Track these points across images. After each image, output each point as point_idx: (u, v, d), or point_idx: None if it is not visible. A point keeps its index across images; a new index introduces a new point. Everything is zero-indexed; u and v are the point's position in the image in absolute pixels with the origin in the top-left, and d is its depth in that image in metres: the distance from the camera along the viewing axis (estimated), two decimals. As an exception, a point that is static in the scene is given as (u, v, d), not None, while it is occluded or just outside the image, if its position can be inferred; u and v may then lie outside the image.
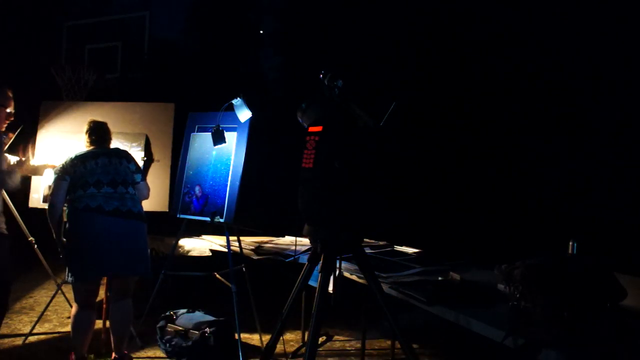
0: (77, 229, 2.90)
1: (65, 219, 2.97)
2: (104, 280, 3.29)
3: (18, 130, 3.21)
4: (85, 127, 3.17)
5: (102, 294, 3.16)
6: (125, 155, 3.12)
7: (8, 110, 2.88)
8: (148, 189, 3.22)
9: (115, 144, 3.49)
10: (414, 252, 3.35)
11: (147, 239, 3.10)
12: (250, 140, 3.36)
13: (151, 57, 7.71)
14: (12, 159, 3.15)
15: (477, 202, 4.54)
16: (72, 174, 2.96)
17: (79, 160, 2.99)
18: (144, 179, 3.18)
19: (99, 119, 3.27)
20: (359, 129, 2.11)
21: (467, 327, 2.06)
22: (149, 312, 3.52)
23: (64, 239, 2.95)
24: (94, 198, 2.91)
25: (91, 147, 3.11)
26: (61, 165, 2.99)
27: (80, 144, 3.19)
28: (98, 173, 2.96)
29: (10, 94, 2.90)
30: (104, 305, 3.46)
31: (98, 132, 3.15)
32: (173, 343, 3.33)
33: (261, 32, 6.86)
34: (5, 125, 2.92)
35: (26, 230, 3.60)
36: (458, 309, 2.14)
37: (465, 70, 4.69)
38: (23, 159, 3.18)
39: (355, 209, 2.10)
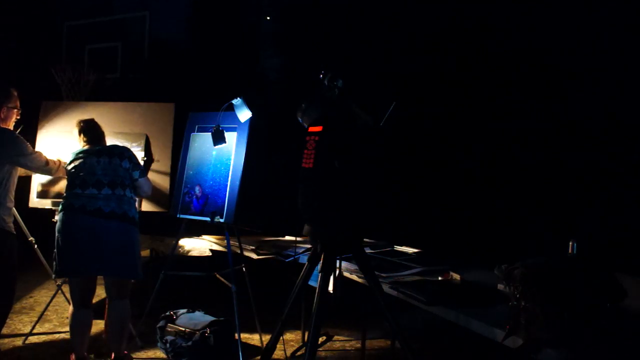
0: (60, 227, 2.92)
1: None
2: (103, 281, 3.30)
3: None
4: (75, 129, 3.16)
5: (103, 294, 3.16)
6: (118, 153, 3.05)
7: (15, 109, 3.14)
8: (149, 185, 3.20)
9: (115, 144, 3.48)
10: (414, 252, 3.35)
11: (135, 240, 3.03)
12: (250, 140, 3.36)
13: (151, 57, 7.70)
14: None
15: (477, 202, 4.54)
16: (68, 174, 3.02)
17: (72, 160, 3.03)
18: (143, 175, 3.15)
19: (99, 119, 3.26)
20: (359, 129, 2.12)
21: (467, 327, 2.06)
22: (149, 312, 3.52)
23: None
24: (77, 197, 2.92)
25: (87, 147, 3.11)
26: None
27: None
28: (84, 174, 2.96)
29: (15, 93, 3.16)
30: (106, 306, 3.46)
31: (89, 131, 3.14)
32: (173, 343, 3.33)
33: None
34: (13, 123, 3.16)
35: (26, 230, 3.60)
36: (458, 309, 2.14)
37: (467, 70, 4.68)
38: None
39: (355, 209, 2.10)
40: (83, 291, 2.99)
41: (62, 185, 3.42)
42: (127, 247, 2.98)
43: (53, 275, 3.05)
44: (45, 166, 3.15)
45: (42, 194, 3.54)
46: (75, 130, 3.17)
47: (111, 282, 3.03)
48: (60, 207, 2.97)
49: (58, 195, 3.46)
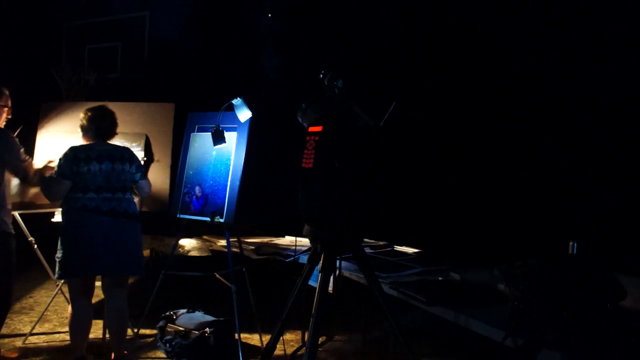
0: (73, 227, 2.91)
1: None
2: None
3: (18, 130, 3.22)
4: (89, 114, 3.02)
5: (101, 294, 3.16)
6: (128, 158, 3.05)
7: (6, 107, 3.04)
8: (149, 185, 3.24)
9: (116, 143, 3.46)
10: (414, 252, 3.35)
11: (141, 239, 3.12)
12: (250, 140, 3.36)
13: (151, 57, 7.71)
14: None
15: (477, 201, 4.54)
16: (75, 174, 2.90)
17: (83, 158, 2.92)
18: (144, 177, 3.16)
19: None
20: (359, 129, 2.11)
21: (467, 327, 2.06)
22: (149, 312, 3.52)
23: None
24: (92, 200, 2.92)
25: (94, 140, 3.01)
26: (63, 163, 2.92)
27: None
28: (100, 180, 2.93)
29: (7, 92, 3.05)
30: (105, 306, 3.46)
31: (106, 124, 3.04)
32: (173, 343, 3.33)
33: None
34: (4, 122, 3.06)
35: (26, 230, 3.60)
36: (458, 309, 2.14)
37: (467, 70, 4.69)
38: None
39: (356, 209, 2.10)
40: (84, 287, 2.99)
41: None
42: (136, 245, 3.06)
43: (55, 277, 3.00)
44: (31, 178, 3.02)
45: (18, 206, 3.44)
46: (85, 120, 3.03)
47: (112, 278, 3.04)
48: (69, 207, 2.92)
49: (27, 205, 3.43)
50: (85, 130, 3.04)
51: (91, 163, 2.93)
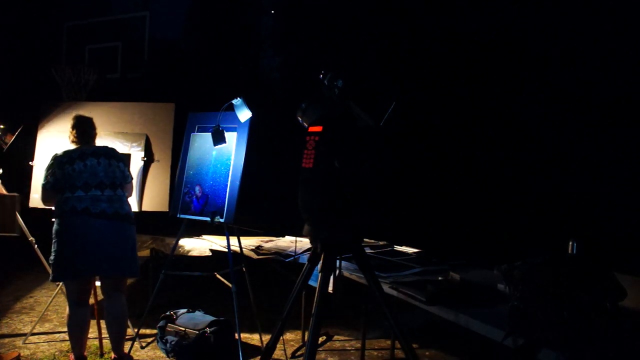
0: (63, 230, 2.90)
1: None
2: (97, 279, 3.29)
3: (18, 131, 3.22)
4: (70, 122, 3.12)
5: (99, 295, 3.16)
6: (114, 155, 3.08)
7: None
8: (131, 189, 3.25)
9: (115, 144, 3.48)
10: (414, 252, 3.35)
11: (135, 240, 3.10)
12: (250, 140, 3.36)
13: (151, 57, 7.72)
14: None
15: (477, 201, 4.54)
16: (60, 178, 2.92)
17: (66, 161, 2.94)
18: (131, 177, 3.18)
19: (99, 119, 3.26)
20: (359, 129, 2.11)
21: (467, 327, 2.06)
22: (149, 312, 3.52)
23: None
24: (81, 200, 2.91)
25: (77, 144, 3.07)
26: (49, 170, 2.95)
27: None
28: (85, 176, 2.93)
29: None
30: (95, 307, 3.45)
31: (82, 127, 3.10)
32: (173, 343, 3.33)
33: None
34: None
35: (26, 230, 3.60)
36: (458, 309, 2.14)
37: (466, 69, 4.69)
38: None
39: (355, 209, 2.10)
40: (81, 291, 2.99)
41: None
42: (129, 247, 3.04)
43: (50, 278, 3.01)
44: None
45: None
46: (69, 125, 3.11)
47: (108, 279, 3.04)
48: (60, 209, 2.92)
49: None
50: (70, 140, 3.11)
51: (75, 163, 2.95)
